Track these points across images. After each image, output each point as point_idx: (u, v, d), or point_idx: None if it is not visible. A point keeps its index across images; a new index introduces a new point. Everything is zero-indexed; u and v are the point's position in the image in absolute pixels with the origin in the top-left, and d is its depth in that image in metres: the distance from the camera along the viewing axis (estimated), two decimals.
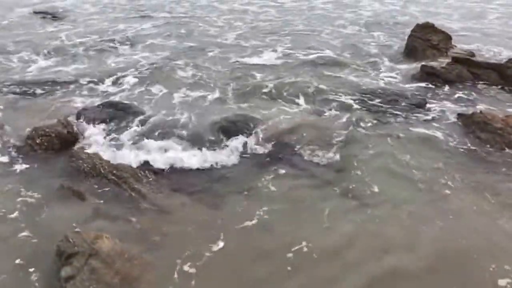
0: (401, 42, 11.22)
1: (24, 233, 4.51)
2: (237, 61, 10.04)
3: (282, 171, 5.70)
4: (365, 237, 4.57)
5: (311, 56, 10.55)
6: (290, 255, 4.30)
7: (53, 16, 14.39)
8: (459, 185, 5.45)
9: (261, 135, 6.40)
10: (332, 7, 16.52)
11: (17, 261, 4.15)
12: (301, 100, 7.89)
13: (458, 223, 4.77)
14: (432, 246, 4.43)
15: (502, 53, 10.57)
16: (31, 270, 4.05)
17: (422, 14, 15.28)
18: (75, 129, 6.34)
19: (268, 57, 10.40)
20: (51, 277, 3.95)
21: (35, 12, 14.79)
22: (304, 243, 4.43)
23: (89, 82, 8.68)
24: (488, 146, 6.28)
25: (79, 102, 7.63)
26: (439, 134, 6.71)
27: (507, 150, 6.19)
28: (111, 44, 11.43)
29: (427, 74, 8.72)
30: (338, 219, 4.83)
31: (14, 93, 8.14)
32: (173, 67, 9.60)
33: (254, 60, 10.17)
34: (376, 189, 5.32)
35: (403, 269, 4.17)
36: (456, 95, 8.17)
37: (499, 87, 8.44)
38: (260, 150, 6.16)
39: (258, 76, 9.11)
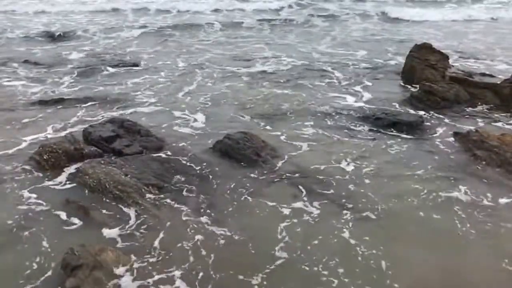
0: (399, 62, 11.50)
1: (30, 247, 4.63)
2: (229, 70, 10.95)
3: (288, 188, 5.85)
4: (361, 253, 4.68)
5: (306, 71, 11.01)
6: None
7: (60, 34, 14.78)
8: (455, 203, 5.55)
9: (263, 154, 6.56)
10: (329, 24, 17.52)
11: (23, 274, 4.25)
12: (300, 117, 8.11)
13: (452, 244, 4.87)
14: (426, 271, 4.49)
15: (489, 68, 11.15)
16: (36, 281, 4.16)
17: (416, 35, 15.84)
18: (82, 145, 6.51)
19: (260, 68, 11.23)
20: None
21: (44, 31, 15.17)
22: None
23: (95, 99, 8.93)
24: (484, 163, 6.40)
25: (85, 119, 7.86)
26: (436, 152, 6.84)
27: (502, 167, 6.30)
28: (117, 62, 11.76)
29: (425, 93, 8.89)
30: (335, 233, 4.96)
31: (21, 110, 8.38)
32: (176, 84, 9.94)
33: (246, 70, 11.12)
34: (375, 207, 5.43)
35: None
36: (454, 114, 8.34)
37: (495, 106, 8.62)
38: (265, 169, 6.30)
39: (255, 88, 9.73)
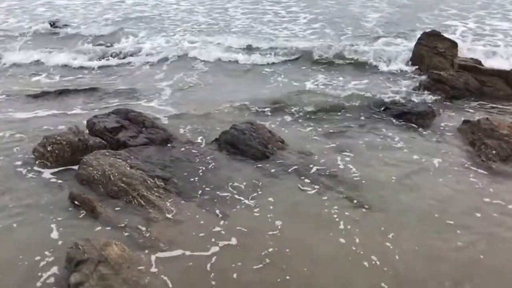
0: (406, 50, 11.28)
1: (34, 240, 4.58)
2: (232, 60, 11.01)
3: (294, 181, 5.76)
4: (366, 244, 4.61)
5: (309, 61, 10.84)
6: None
7: (64, 25, 14.69)
8: (465, 189, 5.49)
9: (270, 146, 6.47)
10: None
11: (27, 268, 4.21)
12: (307, 107, 7.99)
13: (462, 230, 4.80)
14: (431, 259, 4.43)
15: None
16: (41, 276, 4.11)
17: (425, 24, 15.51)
18: (86, 136, 6.44)
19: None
20: (61, 284, 4.00)
21: (49, 23, 15.06)
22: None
23: (100, 89, 8.87)
24: (494, 152, 6.29)
25: (89, 110, 7.78)
26: (446, 141, 6.76)
27: None
28: (121, 52, 11.66)
29: (434, 81, 8.77)
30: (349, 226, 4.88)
31: (25, 101, 8.35)
32: (180, 74, 9.85)
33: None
34: (382, 198, 5.35)
35: None
36: (463, 102, 8.23)
37: (506, 94, 8.48)
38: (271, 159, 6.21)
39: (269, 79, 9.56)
